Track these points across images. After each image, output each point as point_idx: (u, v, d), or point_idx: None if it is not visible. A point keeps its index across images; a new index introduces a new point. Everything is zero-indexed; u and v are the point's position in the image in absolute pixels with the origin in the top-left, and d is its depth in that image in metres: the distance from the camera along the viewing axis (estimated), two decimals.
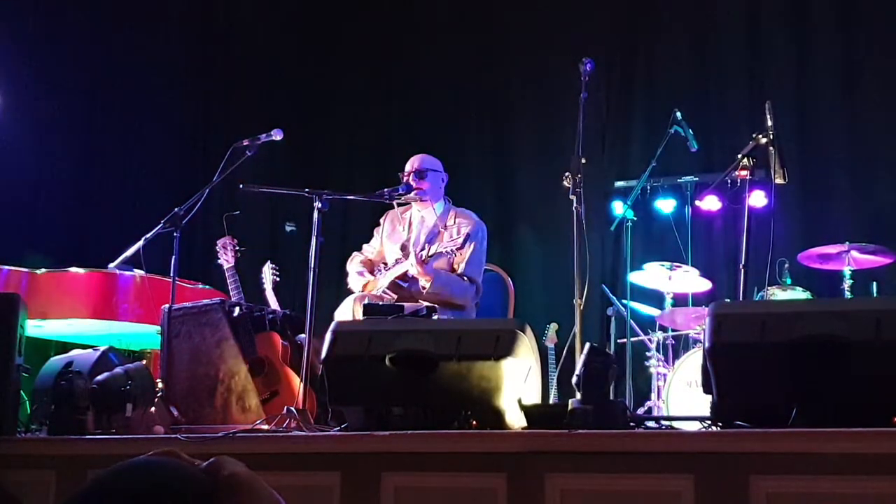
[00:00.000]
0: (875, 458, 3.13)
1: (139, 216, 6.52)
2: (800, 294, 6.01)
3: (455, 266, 5.34)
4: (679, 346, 6.49)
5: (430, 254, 5.24)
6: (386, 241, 5.59)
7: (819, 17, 7.45)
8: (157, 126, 8.02)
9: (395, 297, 5.30)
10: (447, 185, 5.62)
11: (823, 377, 3.32)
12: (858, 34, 7.33)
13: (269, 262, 5.95)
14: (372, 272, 5.51)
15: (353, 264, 5.59)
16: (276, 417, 4.26)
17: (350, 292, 5.51)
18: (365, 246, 5.70)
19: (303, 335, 4.74)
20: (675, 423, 4.43)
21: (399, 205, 5.55)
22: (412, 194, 5.41)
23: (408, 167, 5.51)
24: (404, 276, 5.34)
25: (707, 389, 3.54)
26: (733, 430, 3.41)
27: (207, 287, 6.19)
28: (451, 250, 5.19)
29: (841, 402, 3.30)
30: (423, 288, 5.21)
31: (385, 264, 5.47)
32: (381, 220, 5.70)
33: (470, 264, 5.33)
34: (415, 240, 5.48)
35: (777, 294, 5.90)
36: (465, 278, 5.33)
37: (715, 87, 7.57)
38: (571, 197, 4.56)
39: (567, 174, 4.59)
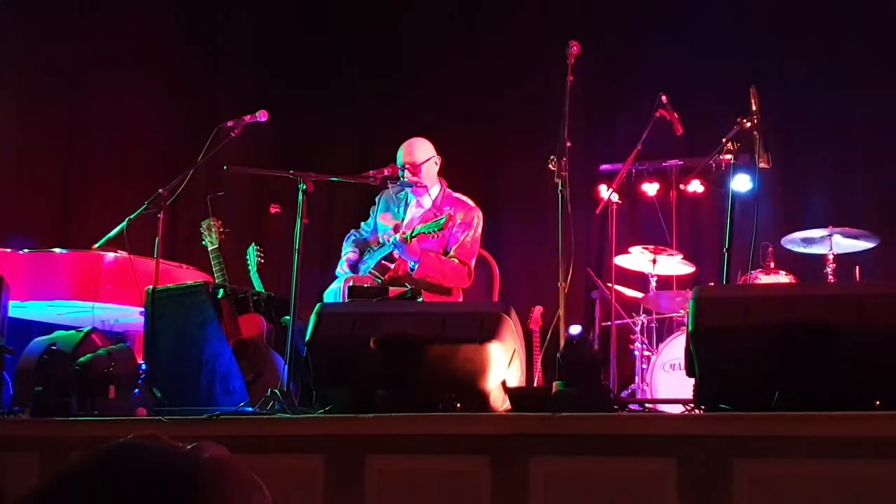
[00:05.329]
0: (858, 442, 3.15)
1: (123, 197, 6.49)
2: (783, 278, 6.03)
3: (448, 249, 5.38)
4: (663, 329, 6.51)
5: (414, 233, 5.24)
6: (380, 222, 5.62)
7: (804, 2, 7.45)
8: (142, 106, 7.97)
9: (382, 277, 5.32)
10: (442, 166, 5.62)
11: (806, 361, 3.34)
12: (843, 20, 7.33)
13: (253, 243, 5.94)
14: (362, 254, 5.55)
15: (347, 243, 5.64)
16: (260, 400, 4.26)
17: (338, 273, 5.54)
18: (362, 224, 5.74)
19: (287, 317, 4.74)
20: (659, 407, 4.45)
21: (392, 183, 5.56)
22: (411, 188, 5.46)
23: (403, 157, 5.48)
24: (391, 257, 5.38)
25: (691, 373, 3.56)
26: (716, 414, 3.42)
27: (192, 268, 6.18)
28: (436, 232, 5.19)
29: (824, 385, 3.32)
30: (411, 269, 5.24)
31: (379, 243, 5.51)
32: (377, 199, 5.73)
33: (463, 247, 5.37)
34: (408, 223, 5.49)
35: (761, 278, 5.92)
36: (456, 260, 5.36)
37: (700, 72, 7.56)
38: (557, 180, 4.56)
39: (552, 157, 4.59)
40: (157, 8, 8.18)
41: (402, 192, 5.61)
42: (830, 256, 6.09)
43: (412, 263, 5.24)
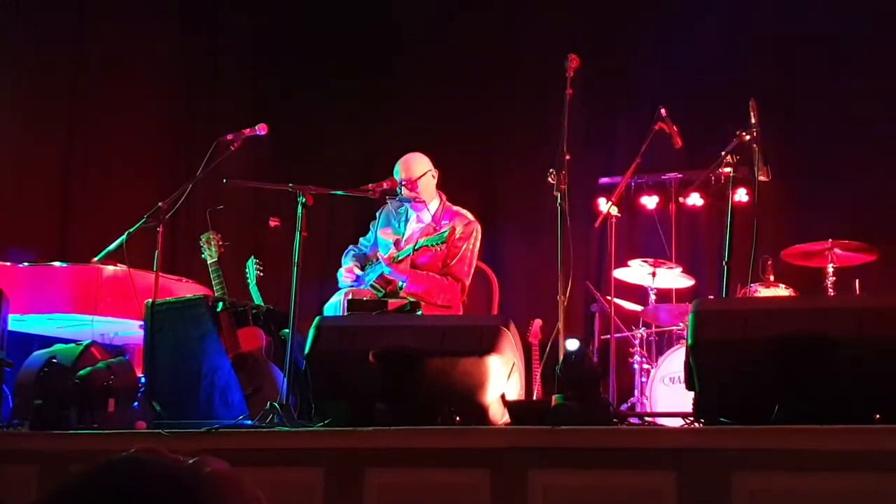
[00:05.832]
0: (858, 455, 3.15)
1: (122, 210, 6.48)
2: (783, 291, 6.03)
3: (443, 263, 5.39)
4: (662, 342, 6.51)
5: (416, 246, 5.27)
6: (380, 236, 5.63)
7: (804, 14, 7.46)
8: (141, 119, 7.98)
9: (384, 290, 5.35)
10: (439, 179, 5.64)
11: (805, 374, 3.34)
12: (845, 33, 7.34)
13: (252, 257, 5.94)
14: (363, 268, 5.56)
15: (347, 258, 5.65)
16: (259, 413, 4.25)
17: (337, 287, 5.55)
18: (361, 239, 5.76)
19: (286, 330, 4.74)
20: (658, 420, 4.45)
21: (390, 198, 5.59)
22: (410, 203, 5.49)
23: (400, 173, 5.49)
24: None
25: (690, 386, 3.56)
26: (716, 427, 3.42)
27: (191, 282, 6.18)
28: (436, 246, 5.22)
29: (823, 398, 3.31)
30: (399, 288, 5.29)
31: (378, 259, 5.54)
32: (377, 214, 5.74)
33: (458, 262, 5.38)
34: (408, 237, 5.51)
35: (760, 291, 5.92)
36: (449, 277, 5.36)
37: (699, 85, 7.58)
38: (556, 193, 4.56)
39: (552, 171, 4.59)
40: (157, 8, 8.19)
41: (402, 208, 5.62)
42: (830, 269, 6.09)
43: (401, 283, 5.29)
